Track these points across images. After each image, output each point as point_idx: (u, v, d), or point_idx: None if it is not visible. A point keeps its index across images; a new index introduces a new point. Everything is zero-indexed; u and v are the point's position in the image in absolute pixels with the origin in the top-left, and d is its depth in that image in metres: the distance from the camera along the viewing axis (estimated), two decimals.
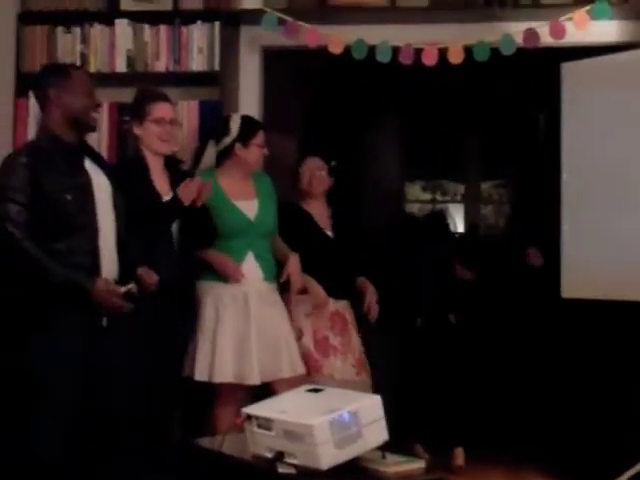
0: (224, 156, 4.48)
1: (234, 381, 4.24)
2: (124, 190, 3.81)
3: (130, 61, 5.00)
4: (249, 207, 4.45)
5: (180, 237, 4.21)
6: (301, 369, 4.40)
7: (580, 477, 4.72)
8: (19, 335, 3.60)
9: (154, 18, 5.00)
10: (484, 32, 4.89)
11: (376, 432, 3.15)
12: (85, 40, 5.01)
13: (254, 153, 4.46)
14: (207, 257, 4.32)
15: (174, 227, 4.20)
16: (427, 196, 8.65)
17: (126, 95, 4.57)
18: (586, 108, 4.88)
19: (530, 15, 4.92)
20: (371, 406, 3.16)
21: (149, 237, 3.97)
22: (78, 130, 3.72)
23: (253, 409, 3.27)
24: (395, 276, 5.46)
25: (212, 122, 4.73)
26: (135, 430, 3.73)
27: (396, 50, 4.88)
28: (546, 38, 4.83)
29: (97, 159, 3.82)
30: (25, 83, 4.94)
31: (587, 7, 4.78)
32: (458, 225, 7.56)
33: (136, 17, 5.01)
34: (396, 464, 3.19)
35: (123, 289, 3.60)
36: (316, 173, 4.86)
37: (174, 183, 4.19)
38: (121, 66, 5.00)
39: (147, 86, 4.56)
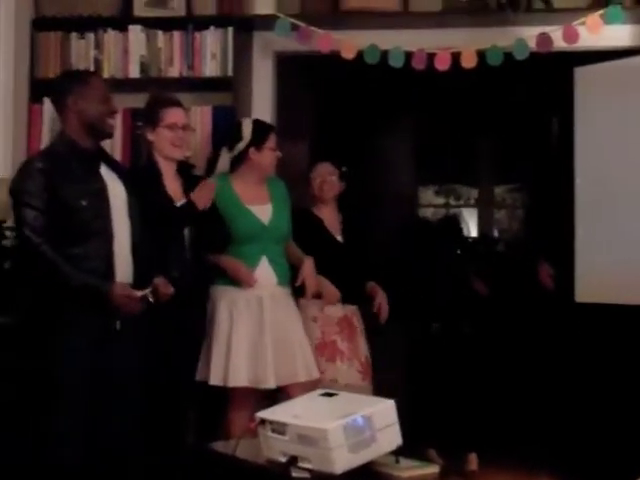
0: (238, 161, 4.49)
1: (249, 385, 4.24)
2: (137, 195, 3.83)
3: (143, 67, 5.02)
4: (263, 212, 4.46)
5: (193, 242, 4.21)
6: (316, 373, 4.40)
7: None
8: (36, 337, 3.62)
9: (167, 24, 5.03)
10: (497, 36, 4.89)
11: (390, 437, 3.14)
12: (99, 46, 5.04)
13: (268, 156, 4.47)
14: (220, 262, 4.33)
15: (186, 232, 4.21)
16: (440, 200, 8.63)
17: (139, 101, 4.58)
18: (599, 112, 4.88)
19: (543, 19, 4.91)
20: (385, 410, 3.15)
21: (162, 241, 3.98)
22: (94, 136, 3.74)
23: (267, 413, 3.27)
24: (409, 281, 5.46)
25: (225, 127, 4.74)
26: (149, 433, 3.74)
27: (409, 55, 4.88)
28: (559, 42, 4.83)
29: (113, 165, 3.84)
30: (39, 89, 4.97)
31: (600, 11, 4.78)
32: (471, 229, 7.54)
33: (149, 23, 5.03)
34: (410, 469, 3.18)
35: (140, 293, 3.62)
36: (327, 178, 4.86)
37: (187, 188, 4.20)
38: (134, 72, 5.03)
39: (160, 92, 4.57)
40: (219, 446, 3.53)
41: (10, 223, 4.20)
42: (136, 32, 5.02)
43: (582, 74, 4.96)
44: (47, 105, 4.95)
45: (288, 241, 4.58)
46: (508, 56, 4.82)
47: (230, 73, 4.96)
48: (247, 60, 5.17)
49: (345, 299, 4.76)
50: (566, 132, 5.03)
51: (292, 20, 4.91)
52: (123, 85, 4.93)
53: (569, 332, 5.28)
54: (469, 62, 4.86)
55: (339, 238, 4.87)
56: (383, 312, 4.79)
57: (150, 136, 4.29)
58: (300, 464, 3.10)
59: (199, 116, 4.96)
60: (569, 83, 4.99)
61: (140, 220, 3.79)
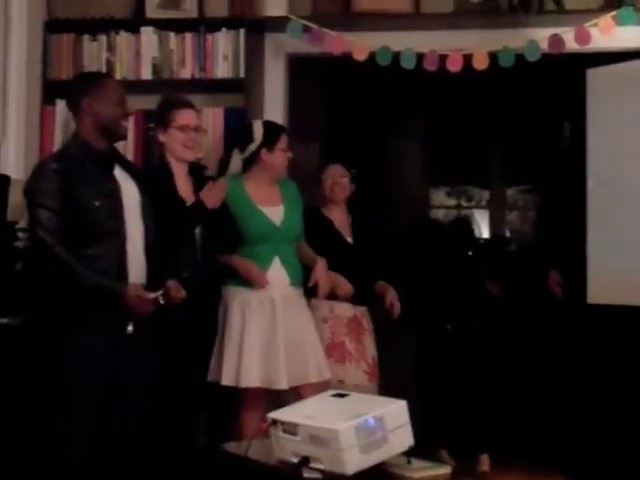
0: (250, 163, 4.49)
1: (261, 386, 4.25)
2: (150, 195, 3.84)
3: (155, 68, 5.04)
4: (275, 213, 4.46)
5: (204, 242, 4.22)
6: (327, 374, 4.41)
7: None
8: (47, 338, 3.63)
9: (179, 26, 5.04)
10: (509, 38, 4.89)
11: (402, 437, 3.14)
12: (111, 48, 5.05)
13: (279, 157, 4.48)
14: (232, 263, 4.33)
15: (198, 233, 4.22)
16: (452, 202, 8.63)
17: (152, 102, 4.58)
18: (611, 114, 4.87)
19: (555, 21, 4.91)
20: (397, 411, 3.15)
21: (173, 242, 3.99)
22: (109, 138, 3.75)
23: (279, 414, 3.27)
24: (420, 282, 5.46)
25: (237, 129, 4.75)
26: (160, 435, 3.75)
27: (421, 56, 4.88)
28: (571, 44, 4.83)
29: (127, 166, 3.84)
30: (52, 91, 4.99)
31: (612, 13, 4.78)
32: (483, 231, 7.54)
33: (161, 25, 5.05)
34: (421, 469, 3.18)
35: (152, 295, 3.63)
36: (338, 180, 4.87)
37: (198, 189, 4.20)
38: (147, 73, 5.04)
39: (171, 93, 4.58)
40: (231, 447, 3.54)
41: (23, 224, 4.21)
42: (148, 34, 5.03)
43: (594, 76, 4.95)
44: (59, 107, 4.98)
45: (300, 241, 4.58)
46: (520, 58, 4.82)
47: (242, 75, 4.97)
48: (259, 62, 5.17)
49: (355, 300, 4.77)
50: (578, 133, 5.02)
51: (304, 22, 4.91)
52: (135, 87, 4.93)
53: (581, 333, 5.27)
54: (481, 64, 4.87)
55: (349, 239, 4.88)
56: (395, 308, 4.80)
57: (162, 137, 4.30)
58: (312, 465, 3.10)
59: (211, 117, 4.97)
60: (581, 85, 4.99)
61: (153, 220, 3.80)
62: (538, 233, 7.66)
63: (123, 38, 5.05)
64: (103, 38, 5.06)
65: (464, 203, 8.57)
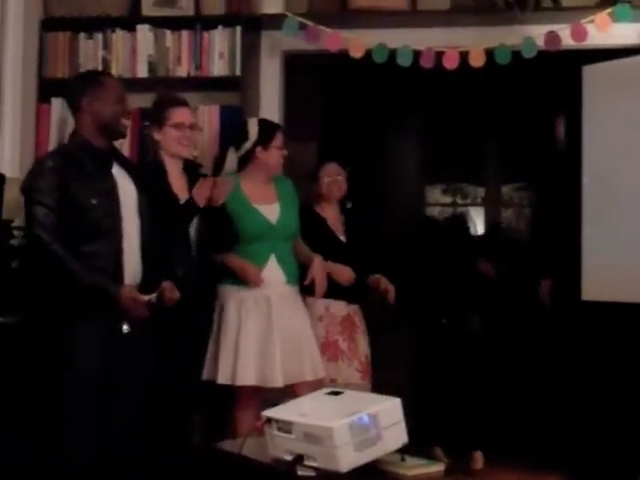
0: (245, 161, 4.49)
1: (257, 384, 4.26)
2: (145, 193, 3.84)
3: (151, 66, 5.03)
4: (271, 211, 4.47)
5: (198, 241, 4.22)
6: (322, 372, 4.42)
7: None
8: (43, 336, 3.64)
9: (175, 23, 5.04)
10: (505, 35, 4.89)
11: (396, 435, 3.14)
12: (107, 46, 5.05)
13: (274, 155, 4.48)
14: (228, 262, 4.34)
15: (192, 231, 4.22)
16: (447, 199, 8.63)
17: (148, 100, 4.57)
18: (607, 111, 4.87)
19: (551, 18, 4.91)
20: (391, 409, 3.15)
21: (168, 240, 3.98)
22: (109, 136, 3.75)
23: (273, 412, 3.27)
24: (417, 279, 5.47)
25: (233, 127, 4.75)
26: (155, 434, 3.75)
27: (417, 54, 4.89)
28: (567, 41, 4.83)
29: (126, 164, 3.84)
30: (47, 89, 5.00)
31: (609, 9, 4.78)
32: (479, 228, 7.54)
33: (157, 22, 5.04)
34: (415, 467, 3.18)
35: (146, 298, 3.62)
36: (335, 178, 4.88)
37: (193, 187, 4.20)
38: (143, 71, 5.04)
39: (166, 92, 4.58)
40: (225, 445, 3.54)
41: (18, 222, 4.22)
42: (144, 32, 5.03)
43: (590, 72, 4.95)
44: (55, 105, 4.98)
45: (296, 239, 4.59)
46: (516, 55, 4.83)
47: (238, 72, 4.96)
48: (255, 59, 5.17)
49: (348, 298, 4.79)
50: (574, 130, 5.02)
51: (300, 19, 4.92)
52: (131, 85, 4.87)
53: (575, 330, 5.28)
54: (477, 61, 4.87)
55: (342, 237, 4.90)
56: (390, 292, 4.81)
57: (156, 135, 4.30)
58: (306, 462, 3.10)
59: (207, 115, 4.96)
60: (577, 81, 4.98)
61: (150, 218, 3.80)
62: (533, 230, 7.66)
63: (119, 36, 5.05)
64: (99, 36, 5.05)
65: (459, 200, 8.57)
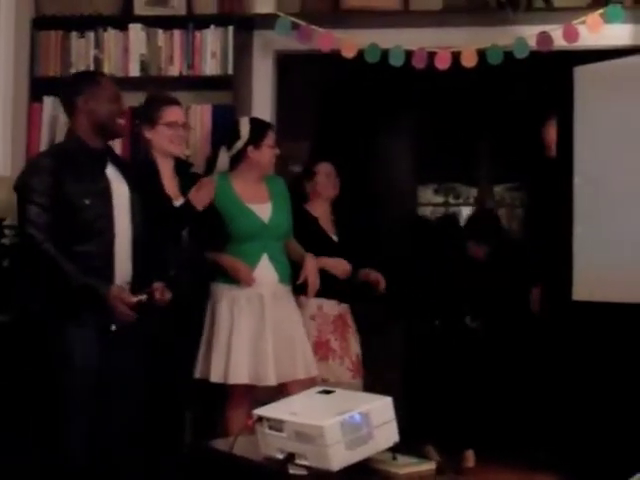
0: (237, 160, 4.49)
1: (250, 382, 4.26)
2: (138, 192, 3.83)
3: (144, 65, 5.03)
4: (263, 210, 4.47)
5: (190, 240, 4.22)
6: (315, 371, 4.43)
7: None
8: (41, 332, 3.63)
9: (168, 23, 5.04)
10: (497, 35, 4.90)
11: (387, 433, 3.14)
12: (99, 45, 5.04)
13: (266, 154, 4.48)
14: (220, 261, 4.34)
15: (185, 230, 4.21)
16: (440, 199, 8.65)
17: (140, 99, 4.57)
18: (599, 112, 4.87)
19: (543, 18, 4.92)
20: (382, 407, 3.16)
21: (159, 240, 3.98)
22: (104, 136, 3.76)
23: (264, 411, 3.27)
24: (409, 278, 5.48)
25: (225, 126, 4.75)
26: (146, 432, 3.75)
27: (409, 54, 4.90)
28: (559, 41, 4.85)
29: (120, 164, 3.84)
30: (39, 88, 4.99)
31: (600, 10, 4.79)
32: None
33: (150, 22, 5.04)
34: (407, 465, 3.18)
35: (135, 299, 3.62)
36: (330, 178, 4.89)
37: (184, 186, 4.20)
38: (135, 70, 5.03)
39: (158, 91, 4.58)
40: (217, 444, 3.54)
41: (9, 221, 4.22)
42: (136, 31, 5.03)
43: (582, 73, 4.95)
44: (47, 104, 4.98)
45: (289, 238, 4.59)
46: (508, 55, 4.84)
47: (230, 72, 4.96)
48: (247, 59, 5.18)
49: (339, 297, 4.80)
50: (565, 131, 5.02)
51: (292, 19, 4.92)
52: (123, 84, 4.84)
53: (566, 330, 5.28)
54: (469, 61, 4.88)
55: (333, 236, 4.90)
56: (381, 281, 4.83)
57: (148, 134, 4.30)
58: (297, 461, 3.10)
59: (199, 115, 4.96)
60: (569, 82, 4.99)
61: (142, 218, 3.80)
62: (525, 230, 7.66)
63: (111, 35, 5.04)
64: (91, 35, 5.04)
65: (452, 200, 8.58)
